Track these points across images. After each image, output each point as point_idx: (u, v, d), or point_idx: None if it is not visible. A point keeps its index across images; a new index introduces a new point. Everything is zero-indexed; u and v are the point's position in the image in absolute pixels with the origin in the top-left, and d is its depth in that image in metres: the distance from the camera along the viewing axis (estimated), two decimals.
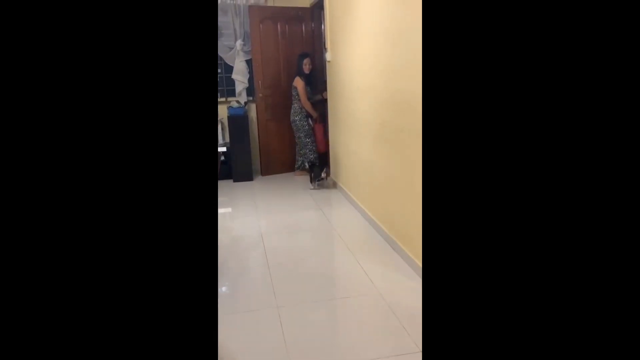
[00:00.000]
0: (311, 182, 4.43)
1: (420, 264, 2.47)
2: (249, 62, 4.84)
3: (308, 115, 4.66)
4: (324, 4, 4.17)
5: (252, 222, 3.56)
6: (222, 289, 2.47)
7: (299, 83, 4.53)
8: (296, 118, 4.64)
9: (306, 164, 4.67)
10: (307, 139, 4.67)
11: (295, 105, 4.63)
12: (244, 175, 4.77)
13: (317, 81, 4.91)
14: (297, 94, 4.56)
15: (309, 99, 4.60)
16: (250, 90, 4.95)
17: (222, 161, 4.84)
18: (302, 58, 4.55)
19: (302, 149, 4.73)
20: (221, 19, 4.73)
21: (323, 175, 4.40)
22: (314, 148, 4.70)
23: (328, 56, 4.22)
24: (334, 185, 4.45)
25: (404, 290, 2.34)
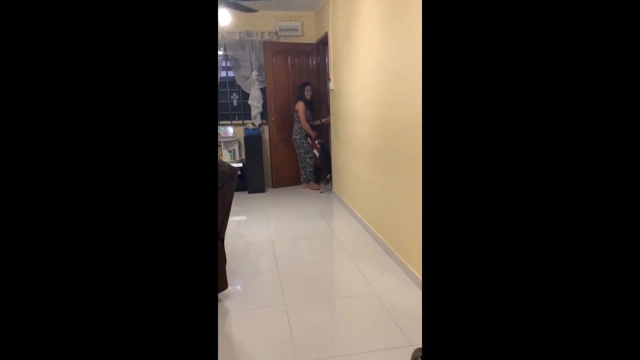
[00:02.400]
0: (319, 184, 4.78)
1: (410, 267, 2.46)
2: (263, 90, 4.89)
3: (307, 135, 4.69)
4: (328, 41, 4.22)
5: (263, 230, 3.54)
6: (237, 288, 2.46)
7: (300, 106, 4.58)
8: (296, 137, 4.69)
9: (310, 177, 4.74)
10: (306, 155, 4.73)
11: (296, 125, 4.67)
12: (257, 187, 4.78)
13: (321, 106, 4.94)
14: (298, 116, 4.60)
15: (307, 121, 4.63)
16: (264, 114, 5.00)
17: (239, 175, 4.86)
18: (303, 86, 4.63)
19: (301, 163, 4.79)
20: (239, 53, 4.80)
21: (328, 176, 4.65)
22: (312, 162, 4.76)
23: (331, 85, 4.25)
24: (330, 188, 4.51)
25: (396, 291, 2.33)
